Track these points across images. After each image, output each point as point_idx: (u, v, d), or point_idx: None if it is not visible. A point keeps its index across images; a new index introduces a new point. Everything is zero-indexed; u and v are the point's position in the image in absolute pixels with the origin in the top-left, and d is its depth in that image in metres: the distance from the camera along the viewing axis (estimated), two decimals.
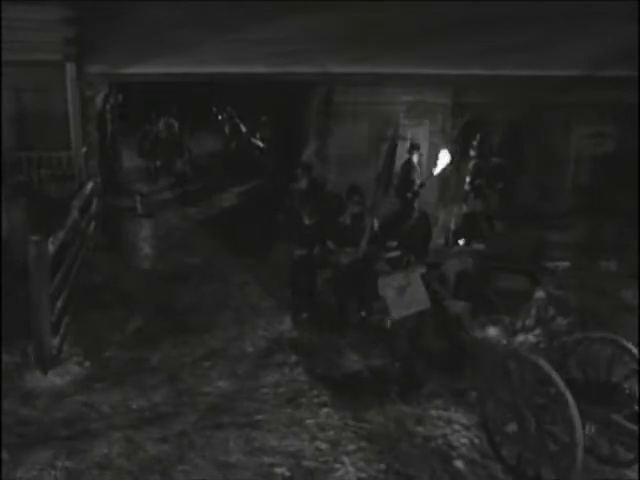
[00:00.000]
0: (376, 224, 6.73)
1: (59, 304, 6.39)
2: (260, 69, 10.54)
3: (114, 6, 9.90)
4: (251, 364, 6.70)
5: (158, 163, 14.10)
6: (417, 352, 6.08)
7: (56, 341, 6.27)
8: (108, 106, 13.58)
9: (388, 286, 5.87)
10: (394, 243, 6.40)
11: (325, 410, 5.77)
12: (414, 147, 10.89)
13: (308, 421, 5.60)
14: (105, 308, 7.77)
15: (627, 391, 4.74)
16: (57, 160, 9.87)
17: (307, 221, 7.24)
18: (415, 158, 10.79)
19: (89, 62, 9.95)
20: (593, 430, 4.70)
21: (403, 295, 5.79)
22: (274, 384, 6.24)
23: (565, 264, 10.29)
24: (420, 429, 5.50)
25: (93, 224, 9.34)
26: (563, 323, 6.59)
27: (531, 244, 9.38)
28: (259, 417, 5.63)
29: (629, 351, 4.83)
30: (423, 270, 6.03)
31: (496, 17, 11.59)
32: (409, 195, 10.23)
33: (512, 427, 4.76)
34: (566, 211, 12.08)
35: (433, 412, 5.73)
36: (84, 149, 10.19)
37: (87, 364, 6.46)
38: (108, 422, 5.46)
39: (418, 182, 10.35)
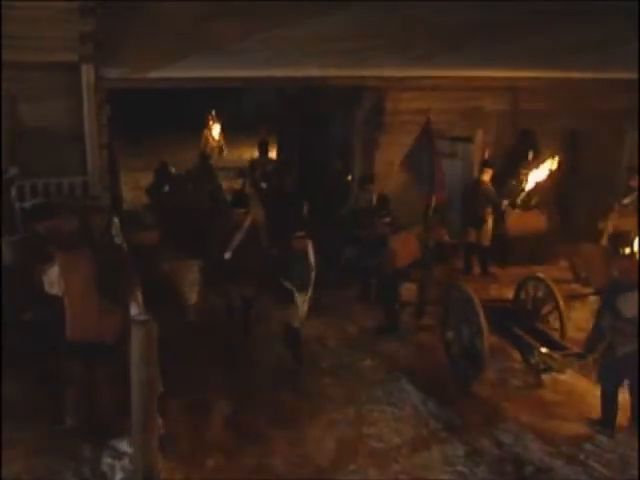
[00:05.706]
0: (374, 199, 8.31)
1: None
2: (312, 72, 8.78)
3: None
4: (409, 464, 4.98)
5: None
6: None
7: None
8: None
9: (397, 240, 7.34)
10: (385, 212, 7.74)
11: None
12: (486, 164, 9.36)
13: None
14: (174, 389, 5.83)
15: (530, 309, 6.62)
16: (69, 187, 7.84)
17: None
18: (487, 177, 9.24)
19: (106, 64, 7.93)
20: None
21: (405, 247, 7.32)
22: None
23: None
24: None
25: None
26: None
27: None
28: None
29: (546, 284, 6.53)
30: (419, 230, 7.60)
31: (562, 14, 10.43)
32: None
33: (451, 335, 6.53)
34: None
35: None
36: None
37: None
38: None
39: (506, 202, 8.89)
